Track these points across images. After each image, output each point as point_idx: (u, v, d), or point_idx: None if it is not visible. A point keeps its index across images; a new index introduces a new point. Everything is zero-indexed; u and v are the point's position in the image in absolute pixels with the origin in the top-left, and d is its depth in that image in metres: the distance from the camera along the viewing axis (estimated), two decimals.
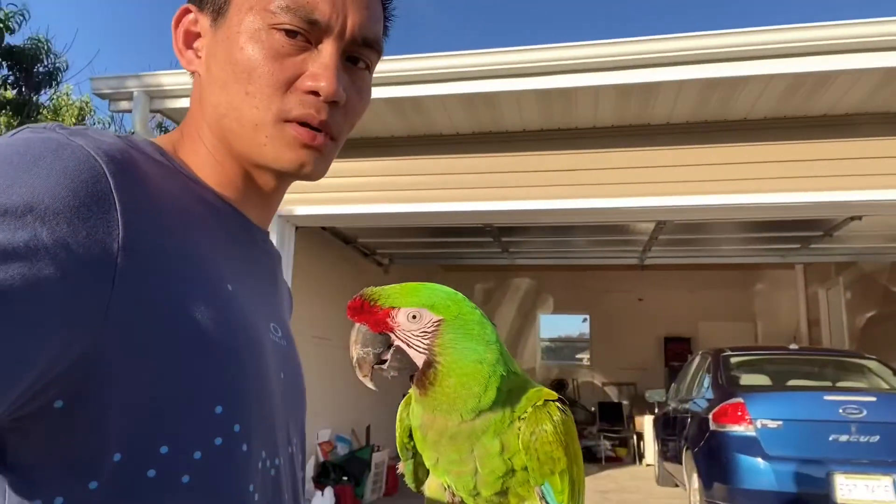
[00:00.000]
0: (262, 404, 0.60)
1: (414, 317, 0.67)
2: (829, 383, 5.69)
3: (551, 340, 13.77)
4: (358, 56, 0.66)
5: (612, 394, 12.29)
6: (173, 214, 0.57)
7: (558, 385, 12.03)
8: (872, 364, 5.85)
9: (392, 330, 0.67)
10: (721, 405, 5.33)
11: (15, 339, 0.44)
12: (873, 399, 5.04)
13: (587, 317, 12.98)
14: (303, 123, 0.62)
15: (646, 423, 9.68)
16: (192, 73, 0.68)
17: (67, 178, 0.50)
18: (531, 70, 4.40)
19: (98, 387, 0.50)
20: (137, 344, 0.51)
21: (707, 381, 6.09)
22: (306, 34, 0.62)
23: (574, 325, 13.47)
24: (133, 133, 0.80)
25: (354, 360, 0.67)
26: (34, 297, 0.45)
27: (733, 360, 6.12)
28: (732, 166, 4.64)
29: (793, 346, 6.36)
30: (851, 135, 4.47)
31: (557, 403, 0.76)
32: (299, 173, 0.65)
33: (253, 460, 0.58)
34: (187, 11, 0.67)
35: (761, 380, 5.97)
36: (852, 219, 5.86)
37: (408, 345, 0.67)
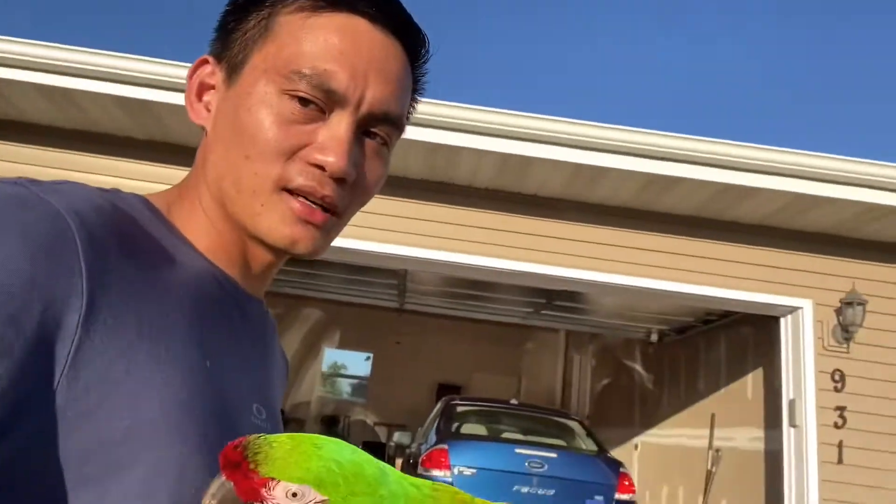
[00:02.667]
0: None
1: (294, 494, 0.55)
2: (533, 438, 6.25)
3: (333, 375, 13.79)
4: (375, 131, 0.60)
5: (382, 434, 12.49)
6: (151, 283, 0.52)
7: (331, 421, 12.01)
8: (574, 424, 6.53)
9: (262, 500, 0.54)
10: (429, 450, 5.64)
11: None
12: (554, 455, 5.60)
13: (370, 355, 13.17)
14: (304, 195, 0.57)
15: (396, 465, 9.94)
16: (201, 127, 0.63)
17: (29, 242, 0.44)
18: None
19: (23, 496, 0.45)
20: (86, 436, 0.46)
21: (434, 427, 6.43)
22: (320, 103, 0.57)
23: (357, 362, 13.63)
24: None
25: None
26: None
27: (458, 409, 6.53)
28: (516, 235, 4.99)
29: (513, 402, 6.92)
30: (560, 218, 5.04)
31: None
32: (292, 250, 0.59)
33: None
34: (205, 62, 0.63)
35: (479, 429, 6.41)
36: (574, 293, 6.57)
37: None
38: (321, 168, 0.56)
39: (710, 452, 6.70)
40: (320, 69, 0.56)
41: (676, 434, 7.65)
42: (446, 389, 12.74)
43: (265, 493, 0.52)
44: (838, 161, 4.35)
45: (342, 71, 0.56)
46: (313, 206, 0.57)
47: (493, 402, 7.17)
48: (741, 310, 5.34)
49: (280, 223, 0.57)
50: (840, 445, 4.71)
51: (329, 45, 0.56)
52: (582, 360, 11.32)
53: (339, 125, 0.57)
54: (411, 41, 0.62)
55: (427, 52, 0.63)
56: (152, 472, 0.48)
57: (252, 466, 0.52)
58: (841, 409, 4.76)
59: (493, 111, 4.47)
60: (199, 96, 0.63)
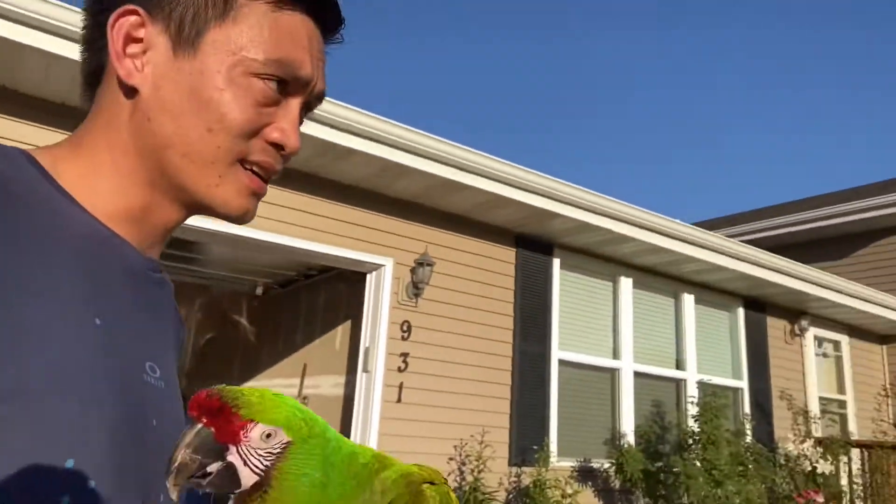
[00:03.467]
0: (125, 457, 0.54)
1: (269, 435, 0.55)
2: None
3: None
4: (310, 109, 0.68)
5: None
6: (34, 241, 0.51)
7: None
8: None
9: (238, 443, 0.54)
10: None
11: None
12: None
13: None
14: (260, 169, 0.63)
15: None
16: (123, 85, 0.61)
17: None
18: None
19: None
20: None
21: None
22: (285, 88, 0.63)
23: None
24: None
25: (177, 462, 0.51)
26: None
27: None
28: None
29: None
30: None
31: (428, 487, 0.59)
32: (242, 219, 0.64)
33: None
34: (133, 13, 0.60)
35: None
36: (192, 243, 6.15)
37: (245, 462, 0.54)
38: (279, 147, 0.63)
39: (299, 399, 7.07)
40: (297, 61, 0.63)
41: (271, 384, 7.87)
42: None
43: (241, 435, 0.55)
44: (420, 136, 4.92)
45: (309, 64, 0.64)
46: (262, 180, 0.63)
47: None
48: (335, 265, 5.68)
49: (236, 195, 0.62)
50: (400, 387, 5.40)
51: (298, 41, 0.63)
52: (188, 313, 10.81)
53: (295, 109, 0.64)
54: (334, 37, 0.70)
55: (339, 40, 0.71)
56: (42, 428, 0.48)
57: (234, 410, 0.55)
58: (405, 355, 5.46)
59: None
60: (123, 49, 0.61)
